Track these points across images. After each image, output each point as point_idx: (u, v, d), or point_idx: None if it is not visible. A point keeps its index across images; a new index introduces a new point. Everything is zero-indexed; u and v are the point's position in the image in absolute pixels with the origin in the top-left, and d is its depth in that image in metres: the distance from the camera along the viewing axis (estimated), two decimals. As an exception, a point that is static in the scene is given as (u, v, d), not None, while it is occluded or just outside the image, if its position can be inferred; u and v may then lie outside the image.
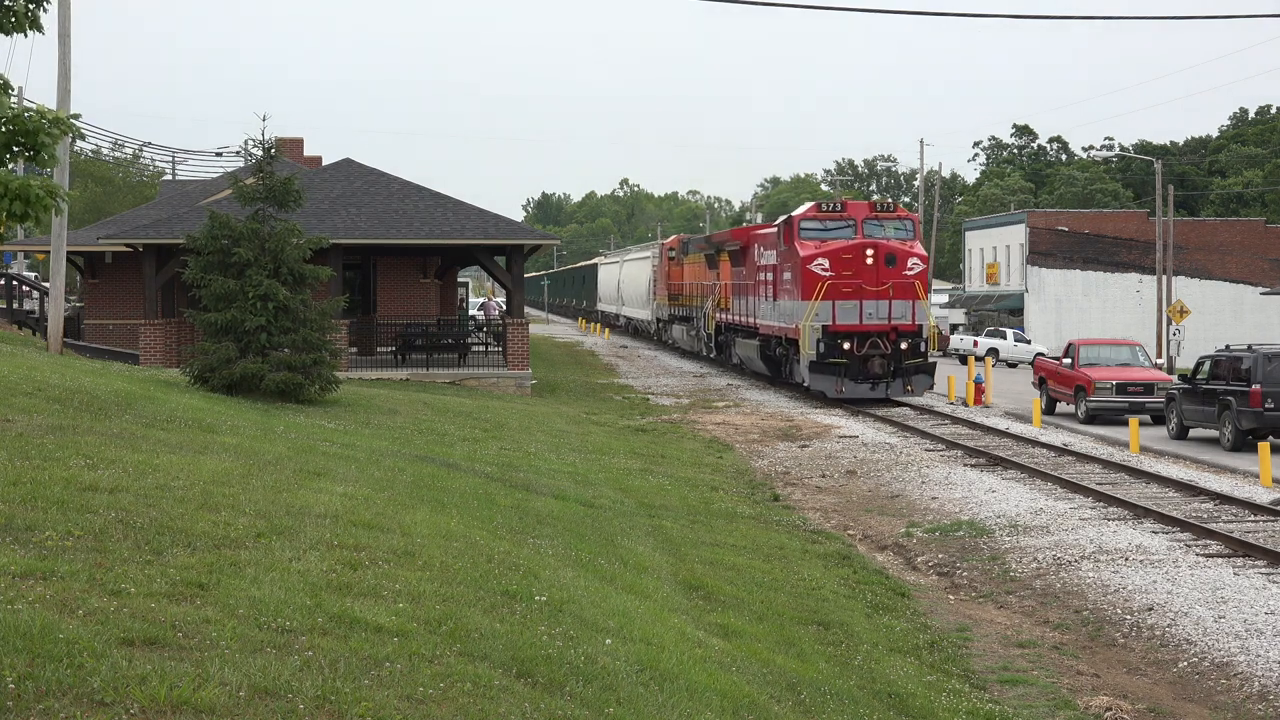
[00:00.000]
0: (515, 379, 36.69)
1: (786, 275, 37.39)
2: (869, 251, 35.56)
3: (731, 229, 53.41)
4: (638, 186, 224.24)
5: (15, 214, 9.20)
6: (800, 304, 35.89)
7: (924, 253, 36.90)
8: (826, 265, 35.47)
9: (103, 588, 8.09)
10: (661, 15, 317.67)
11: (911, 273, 35.85)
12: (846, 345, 35.33)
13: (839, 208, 37.45)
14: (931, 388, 37.01)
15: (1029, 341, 63.69)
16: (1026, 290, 76.77)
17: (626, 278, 76.96)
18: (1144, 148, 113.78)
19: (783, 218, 39.09)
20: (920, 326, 35.85)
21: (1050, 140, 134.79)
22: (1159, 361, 52.15)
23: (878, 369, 35.54)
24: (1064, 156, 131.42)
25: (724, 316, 46.77)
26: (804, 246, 36.15)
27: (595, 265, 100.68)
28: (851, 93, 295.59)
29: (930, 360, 36.26)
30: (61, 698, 6.34)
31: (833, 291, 35.28)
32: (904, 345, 35.60)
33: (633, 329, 76.36)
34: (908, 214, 37.72)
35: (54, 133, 9.44)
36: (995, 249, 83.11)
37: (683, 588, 13.33)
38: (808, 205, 38.56)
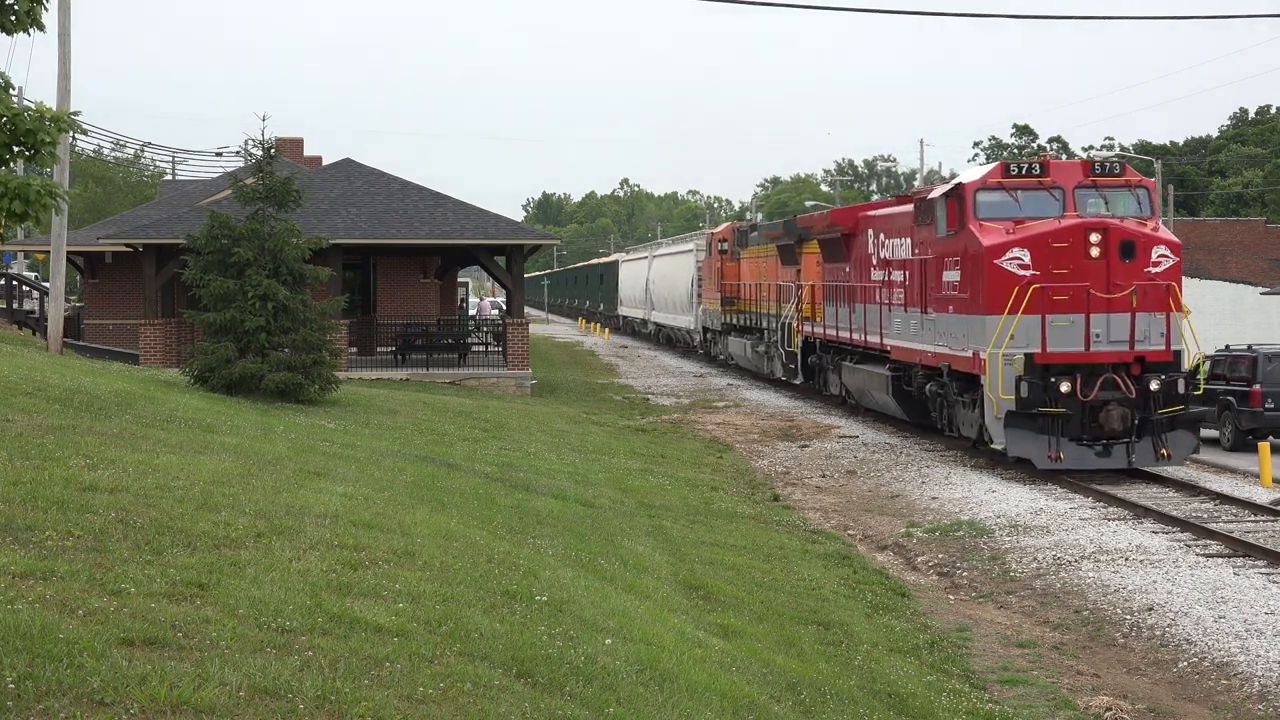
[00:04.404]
0: (515, 379, 36.71)
1: (950, 275, 25.18)
2: (1093, 236, 23.19)
3: (830, 210, 40.54)
4: (638, 186, 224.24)
5: (15, 213, 9.19)
6: (980, 319, 23.67)
7: (1173, 238, 24.50)
8: (1026, 259, 23.31)
9: (103, 588, 8.10)
10: (662, 15, 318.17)
11: (1158, 270, 23.72)
12: (1066, 387, 22.87)
13: (1038, 169, 24.38)
14: (1197, 450, 24.17)
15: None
16: (1027, 290, 76.69)
17: (658, 277, 63.91)
18: (1144, 148, 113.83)
19: (941, 189, 26.06)
20: (1177, 354, 23.68)
21: (1050, 140, 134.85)
22: (1159, 361, 52.03)
23: (1115, 423, 22.89)
24: (1064, 156, 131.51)
25: (814, 330, 35.22)
26: (986, 231, 23.84)
27: (615, 262, 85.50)
28: (851, 93, 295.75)
29: (1195, 409, 24.05)
30: (61, 698, 6.34)
31: (1040, 300, 23.01)
32: (1154, 384, 23.12)
33: (666, 338, 64.59)
34: (1140, 177, 25.03)
35: (54, 131, 9.43)
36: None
37: (683, 588, 13.33)
38: (988, 167, 25.77)
